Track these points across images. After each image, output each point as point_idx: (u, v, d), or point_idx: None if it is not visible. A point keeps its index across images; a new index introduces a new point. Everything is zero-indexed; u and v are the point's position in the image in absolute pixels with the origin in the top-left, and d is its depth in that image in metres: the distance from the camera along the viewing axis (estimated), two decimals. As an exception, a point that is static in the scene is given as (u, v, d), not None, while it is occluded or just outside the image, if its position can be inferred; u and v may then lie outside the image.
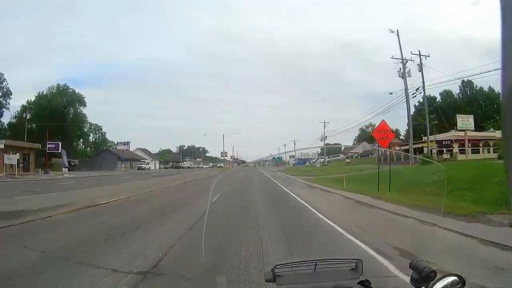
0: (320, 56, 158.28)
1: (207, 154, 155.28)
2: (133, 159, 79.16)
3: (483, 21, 74.37)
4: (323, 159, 74.01)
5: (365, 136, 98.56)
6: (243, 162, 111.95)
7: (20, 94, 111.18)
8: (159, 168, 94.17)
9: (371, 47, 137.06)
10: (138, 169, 72.95)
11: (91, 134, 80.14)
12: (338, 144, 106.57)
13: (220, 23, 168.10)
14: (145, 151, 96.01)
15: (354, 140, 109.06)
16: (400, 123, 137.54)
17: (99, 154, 73.80)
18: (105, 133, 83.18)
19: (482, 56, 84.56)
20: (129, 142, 74.26)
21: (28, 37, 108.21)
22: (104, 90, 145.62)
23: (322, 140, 69.82)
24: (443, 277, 1.15)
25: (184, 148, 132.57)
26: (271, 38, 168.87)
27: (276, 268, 1.26)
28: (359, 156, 72.42)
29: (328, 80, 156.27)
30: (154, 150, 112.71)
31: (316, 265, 1.29)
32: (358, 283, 1.20)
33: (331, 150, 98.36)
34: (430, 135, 37.03)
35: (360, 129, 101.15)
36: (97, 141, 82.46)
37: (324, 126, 70.11)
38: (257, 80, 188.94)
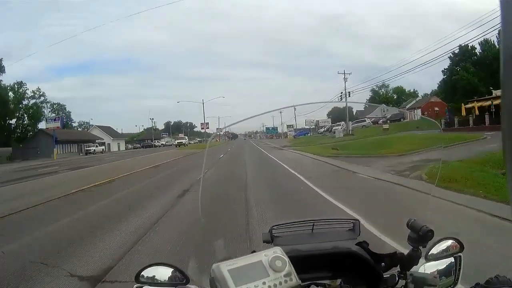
0: (307, 30, 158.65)
1: (194, 129, 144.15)
2: (81, 140, 59.40)
3: None
4: (340, 127, 53.96)
5: (378, 98, 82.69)
6: (234, 135, 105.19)
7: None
8: (125, 149, 75.16)
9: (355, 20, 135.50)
10: (86, 153, 54.30)
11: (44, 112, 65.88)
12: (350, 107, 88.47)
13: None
14: (106, 129, 75.47)
15: (365, 103, 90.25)
16: (422, 79, 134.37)
17: (34, 137, 54.79)
18: (70, 112, 76.25)
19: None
20: (63, 116, 54.31)
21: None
22: (89, 75, 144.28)
23: (341, 99, 49.73)
24: (441, 240, 1.16)
25: (171, 124, 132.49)
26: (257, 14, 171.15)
27: (274, 229, 1.25)
28: (388, 121, 53.11)
29: (316, 53, 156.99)
30: (139, 129, 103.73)
31: (313, 225, 1.28)
32: (356, 244, 1.16)
33: (343, 115, 79.28)
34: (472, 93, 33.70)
35: (371, 90, 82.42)
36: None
37: (345, 79, 49.64)
38: (243, 55, 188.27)
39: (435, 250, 1.15)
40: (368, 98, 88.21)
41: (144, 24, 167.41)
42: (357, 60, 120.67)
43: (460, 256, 1.19)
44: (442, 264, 1.17)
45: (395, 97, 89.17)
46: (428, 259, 1.15)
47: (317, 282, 1.14)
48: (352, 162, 15.94)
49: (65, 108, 76.36)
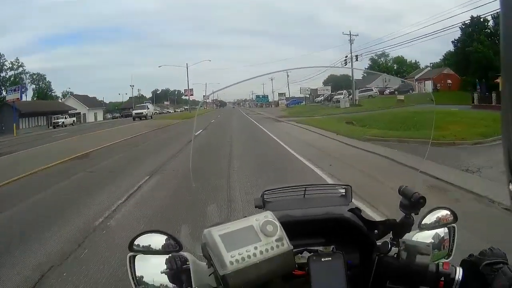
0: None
1: (182, 97, 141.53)
2: (52, 112, 52.05)
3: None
4: (344, 96, 47.81)
5: (378, 67, 76.94)
6: (222, 103, 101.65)
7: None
8: (103, 119, 68.15)
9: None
10: (54, 126, 47.47)
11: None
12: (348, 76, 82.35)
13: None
14: (82, 98, 68.27)
15: (363, 72, 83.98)
16: (433, 46, 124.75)
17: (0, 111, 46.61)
18: (50, 82, 73.36)
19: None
20: (24, 87, 47.74)
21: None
22: (77, 45, 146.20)
23: (346, 63, 43.34)
24: (434, 209, 1.17)
25: (158, 92, 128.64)
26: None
27: (265, 194, 1.26)
28: (396, 92, 47.46)
29: (305, 23, 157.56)
30: (123, 97, 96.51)
31: (305, 190, 1.29)
32: (349, 210, 1.16)
33: (341, 83, 73.02)
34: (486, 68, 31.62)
35: (370, 59, 76.22)
36: (38, 93, 70.77)
37: (351, 41, 43.06)
38: (233, 23, 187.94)
39: (428, 220, 1.15)
40: (366, 67, 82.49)
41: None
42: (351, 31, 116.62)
43: (454, 227, 1.18)
44: (435, 234, 1.15)
45: (395, 67, 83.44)
46: (421, 228, 1.14)
47: (309, 248, 1.11)
48: (417, 154, 8.24)
49: (45, 78, 73.41)
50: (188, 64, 57.05)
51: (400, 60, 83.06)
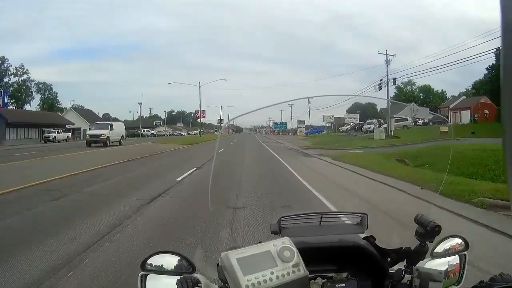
0: (314, 27, 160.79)
1: (198, 120, 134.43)
2: (46, 124, 47.27)
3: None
4: (373, 125, 41.48)
5: (403, 96, 71.70)
6: (238, 128, 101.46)
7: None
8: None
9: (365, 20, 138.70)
10: (46, 141, 42.72)
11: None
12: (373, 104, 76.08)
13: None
14: (84, 113, 63.72)
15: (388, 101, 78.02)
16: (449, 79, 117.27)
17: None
18: (56, 93, 72.91)
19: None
20: (7, 92, 43.67)
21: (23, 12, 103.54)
22: (99, 61, 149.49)
23: (381, 87, 37.35)
24: (447, 237, 1.17)
25: (173, 113, 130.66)
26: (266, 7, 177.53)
27: (282, 220, 1.25)
28: (430, 123, 41.38)
29: (322, 50, 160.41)
30: (134, 116, 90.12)
31: (321, 218, 1.28)
32: (363, 238, 1.17)
33: (368, 112, 66.83)
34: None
35: (396, 87, 70.54)
36: (44, 103, 70.37)
37: (387, 61, 37.17)
38: (251, 49, 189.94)
39: (440, 248, 1.15)
40: (392, 96, 76.74)
41: (152, 12, 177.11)
42: (368, 60, 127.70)
43: (465, 255, 1.18)
44: (447, 261, 1.16)
45: (421, 96, 77.20)
46: (434, 256, 1.15)
47: (324, 275, 1.12)
48: None
49: (52, 88, 72.34)
50: (202, 83, 51.31)
51: (427, 89, 76.95)
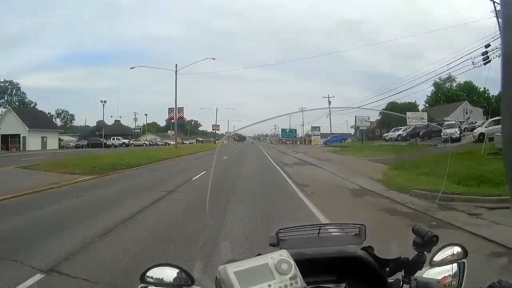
0: (321, 35, 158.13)
1: (199, 128, 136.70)
2: None
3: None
4: (452, 129, 24.55)
5: (441, 95, 58.64)
6: (241, 137, 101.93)
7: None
8: (59, 147, 46.95)
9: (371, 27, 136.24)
10: None
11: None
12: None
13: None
14: (27, 114, 47.09)
15: (425, 101, 61.39)
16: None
17: None
18: (25, 94, 63.78)
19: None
20: None
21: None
22: (106, 67, 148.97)
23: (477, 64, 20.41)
24: (445, 246, 1.17)
25: (172, 121, 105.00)
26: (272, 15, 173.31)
27: (280, 232, 1.25)
28: None
29: (329, 58, 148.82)
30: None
31: (320, 229, 1.29)
32: (362, 249, 1.18)
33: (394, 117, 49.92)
34: None
35: (433, 83, 56.50)
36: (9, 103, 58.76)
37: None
38: (257, 57, 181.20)
39: (439, 256, 1.16)
40: (429, 94, 59.98)
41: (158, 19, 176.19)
42: (375, 68, 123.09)
43: (464, 262, 1.19)
44: (445, 269, 1.17)
45: (464, 95, 59.91)
46: (432, 264, 1.15)
47: (322, 286, 1.14)
48: None
49: (19, 87, 63.13)
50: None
51: (470, 87, 59.32)
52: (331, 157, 23.10)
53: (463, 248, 1.18)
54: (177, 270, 1.01)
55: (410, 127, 31.16)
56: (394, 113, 51.52)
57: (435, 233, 1.10)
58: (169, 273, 1.00)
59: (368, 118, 45.50)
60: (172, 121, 41.34)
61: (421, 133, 29.33)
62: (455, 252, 1.17)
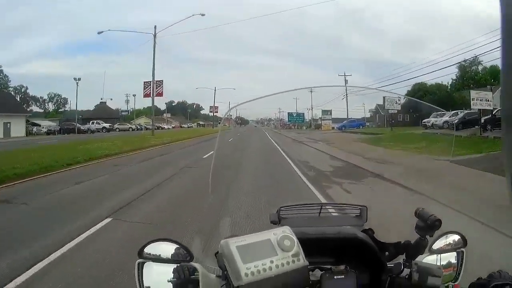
0: (321, 21, 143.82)
1: (201, 112, 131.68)
2: None
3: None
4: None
5: (466, 80, 49.66)
6: (243, 120, 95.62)
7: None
8: (26, 134, 39.63)
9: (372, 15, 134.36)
10: None
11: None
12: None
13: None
14: None
15: (449, 85, 53.31)
16: None
17: None
18: (7, 76, 59.23)
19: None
20: None
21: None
22: (106, 54, 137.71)
23: None
24: (446, 233, 1.16)
25: (173, 104, 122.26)
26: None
27: (281, 210, 1.26)
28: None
29: (329, 45, 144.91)
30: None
31: (321, 209, 1.30)
32: (362, 231, 1.15)
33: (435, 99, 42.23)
34: None
35: (458, 66, 48.42)
36: None
37: None
38: (258, 43, 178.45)
39: (438, 244, 1.14)
40: (454, 78, 51.92)
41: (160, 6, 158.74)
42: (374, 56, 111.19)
43: (463, 251, 1.18)
44: (445, 257, 1.15)
45: (493, 81, 52.10)
46: (432, 251, 1.14)
47: (322, 266, 1.10)
48: None
49: (1, 70, 58.74)
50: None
51: (497, 71, 51.89)
52: (377, 154, 15.20)
53: (462, 237, 1.16)
54: (176, 246, 0.98)
55: (463, 112, 23.23)
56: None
57: (437, 217, 1.06)
58: (167, 249, 0.98)
59: (399, 99, 37.40)
60: (148, 98, 33.11)
61: (482, 120, 21.38)
62: (454, 241, 1.15)
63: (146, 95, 31.96)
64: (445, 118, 26.64)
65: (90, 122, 47.42)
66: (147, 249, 0.97)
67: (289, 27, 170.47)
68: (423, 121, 29.81)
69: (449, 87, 52.93)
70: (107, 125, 46.80)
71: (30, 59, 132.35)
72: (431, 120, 28.35)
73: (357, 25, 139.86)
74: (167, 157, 15.53)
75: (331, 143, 22.85)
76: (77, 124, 42.83)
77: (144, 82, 33.89)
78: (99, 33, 30.27)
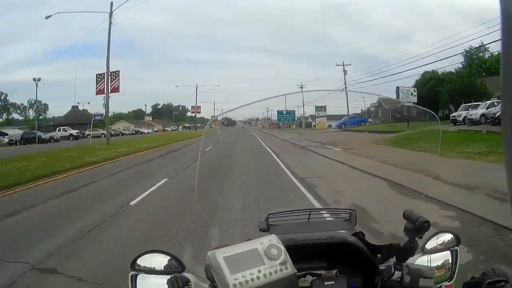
0: (308, 17, 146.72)
1: (187, 114, 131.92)
2: None
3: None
4: None
5: (472, 66, 45.80)
6: (230, 121, 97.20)
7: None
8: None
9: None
10: None
11: None
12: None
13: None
14: None
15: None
16: None
17: None
18: None
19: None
20: None
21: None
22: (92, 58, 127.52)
23: None
24: (438, 233, 1.16)
25: (158, 107, 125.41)
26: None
27: (270, 217, 1.24)
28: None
29: (316, 41, 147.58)
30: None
31: (310, 214, 1.28)
32: (353, 234, 1.14)
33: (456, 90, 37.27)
34: None
35: (464, 53, 45.77)
36: None
37: None
38: (244, 41, 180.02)
39: (431, 243, 1.13)
40: (460, 67, 47.79)
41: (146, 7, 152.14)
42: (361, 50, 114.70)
43: (456, 250, 1.16)
44: (438, 257, 1.13)
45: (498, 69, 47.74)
46: (424, 251, 1.12)
47: (313, 272, 1.10)
48: None
49: None
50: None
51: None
52: (460, 170, 8.48)
53: (455, 235, 1.15)
54: (168, 257, 0.98)
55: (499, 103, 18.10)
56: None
57: (426, 219, 1.05)
58: (160, 260, 0.98)
59: (414, 91, 32.35)
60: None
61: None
62: (447, 240, 1.14)
63: (99, 92, 25.45)
64: (481, 110, 21.62)
65: (57, 130, 41.49)
66: (140, 261, 0.96)
67: (275, 26, 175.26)
68: (452, 115, 24.65)
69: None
70: (74, 132, 40.87)
71: (9, 66, 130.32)
72: (462, 113, 23.29)
73: (344, 19, 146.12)
74: (83, 193, 8.77)
75: (348, 148, 17.47)
76: (38, 132, 36.78)
77: (96, 75, 26.73)
78: (47, 17, 24.30)
